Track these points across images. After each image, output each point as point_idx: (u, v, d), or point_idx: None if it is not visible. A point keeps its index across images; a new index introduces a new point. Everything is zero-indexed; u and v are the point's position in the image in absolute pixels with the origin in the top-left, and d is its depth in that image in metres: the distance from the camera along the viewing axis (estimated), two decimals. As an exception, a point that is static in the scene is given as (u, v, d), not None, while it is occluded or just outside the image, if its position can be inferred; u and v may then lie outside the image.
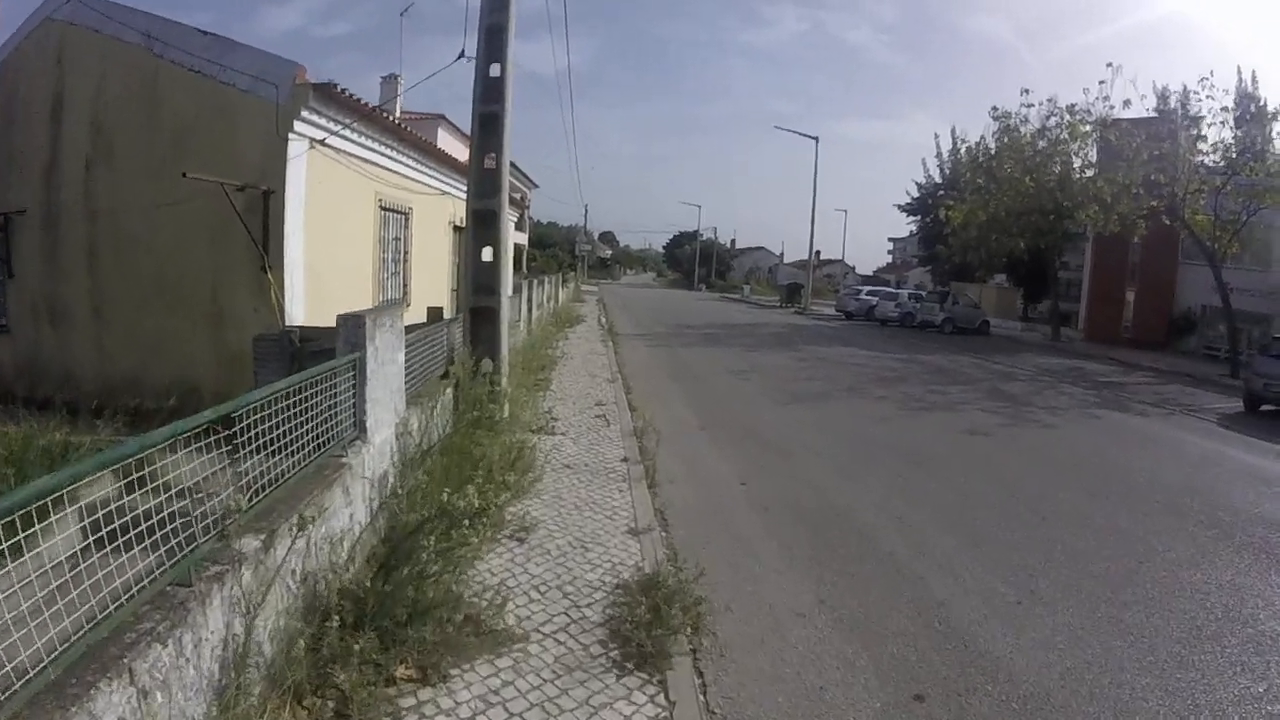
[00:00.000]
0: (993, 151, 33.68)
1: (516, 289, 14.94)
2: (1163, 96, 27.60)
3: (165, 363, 9.76)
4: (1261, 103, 23.15)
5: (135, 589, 2.53)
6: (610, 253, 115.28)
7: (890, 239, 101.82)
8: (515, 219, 26.04)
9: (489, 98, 7.79)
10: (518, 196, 46.83)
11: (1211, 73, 23.67)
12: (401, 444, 5.75)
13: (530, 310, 17.10)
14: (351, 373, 4.90)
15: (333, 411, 4.71)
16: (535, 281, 17.97)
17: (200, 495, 3.03)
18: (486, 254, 8.08)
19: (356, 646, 3.37)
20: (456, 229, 21.50)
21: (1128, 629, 4.89)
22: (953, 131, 52.71)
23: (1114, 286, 34.28)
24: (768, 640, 4.49)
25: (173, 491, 2.90)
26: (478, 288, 8.05)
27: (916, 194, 52.18)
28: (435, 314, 8.42)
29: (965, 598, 5.26)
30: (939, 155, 50.24)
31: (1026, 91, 33.28)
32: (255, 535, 3.28)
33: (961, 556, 6.07)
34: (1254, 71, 23.20)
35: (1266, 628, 5.05)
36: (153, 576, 2.63)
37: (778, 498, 7.31)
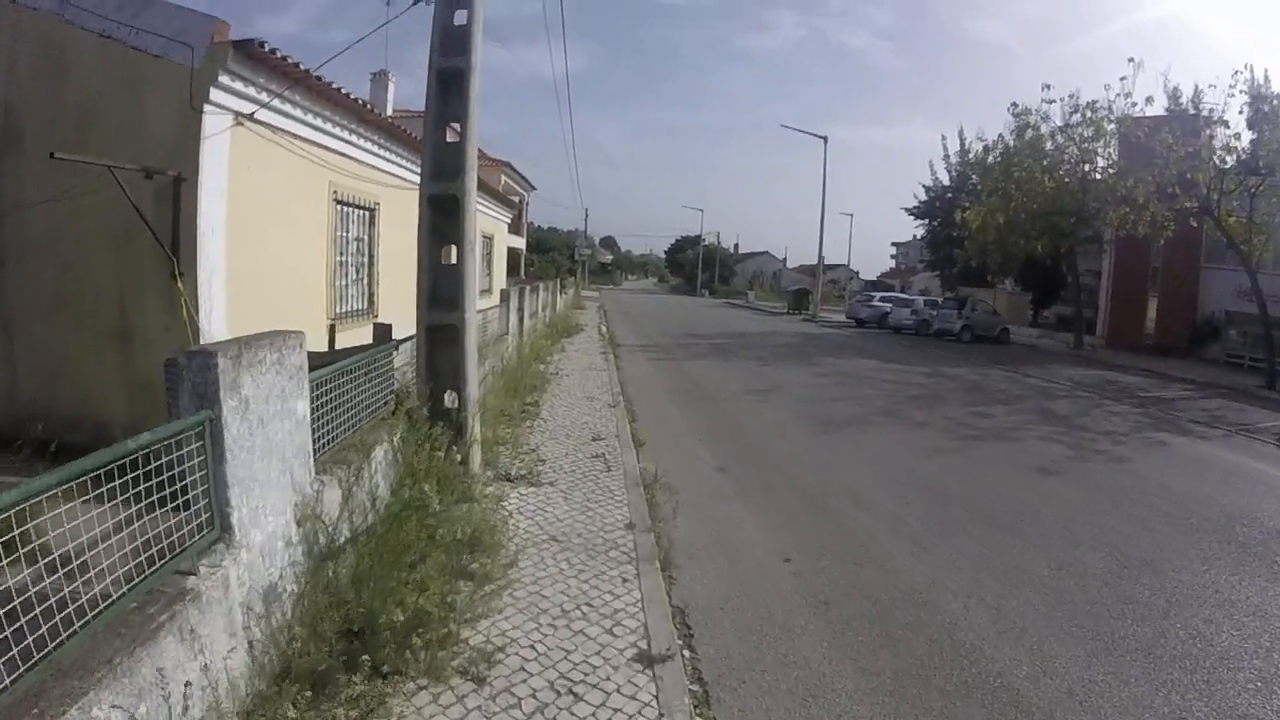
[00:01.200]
0: (1012, 149, 31.99)
1: (504, 297, 13.12)
2: (1174, 96, 26.09)
3: (71, 389, 7.97)
4: (1276, 101, 21.71)
5: None
6: (611, 258, 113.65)
7: (893, 243, 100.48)
8: (509, 221, 24.27)
9: (450, 49, 6.03)
10: (515, 200, 45.11)
11: (1249, 66, 22.39)
12: (307, 534, 3.95)
13: (521, 320, 15.30)
14: (202, 442, 3.11)
15: (169, 503, 2.96)
16: (528, 289, 16.15)
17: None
18: (448, 255, 6.30)
19: None
20: (484, 237, 19.86)
21: None
22: (960, 133, 51.38)
23: (1135, 292, 32.91)
24: None
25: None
26: (435, 300, 6.28)
27: (925, 197, 50.79)
28: (384, 332, 6.64)
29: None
30: (947, 158, 48.78)
31: (1048, 87, 31.21)
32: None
33: (1098, 678, 4.27)
34: (1266, 70, 21.77)
35: None
36: None
37: (836, 583, 5.48)
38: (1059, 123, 29.37)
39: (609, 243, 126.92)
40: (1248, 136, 22.51)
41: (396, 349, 6.22)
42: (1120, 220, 25.69)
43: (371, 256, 11.13)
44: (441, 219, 6.24)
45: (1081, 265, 37.33)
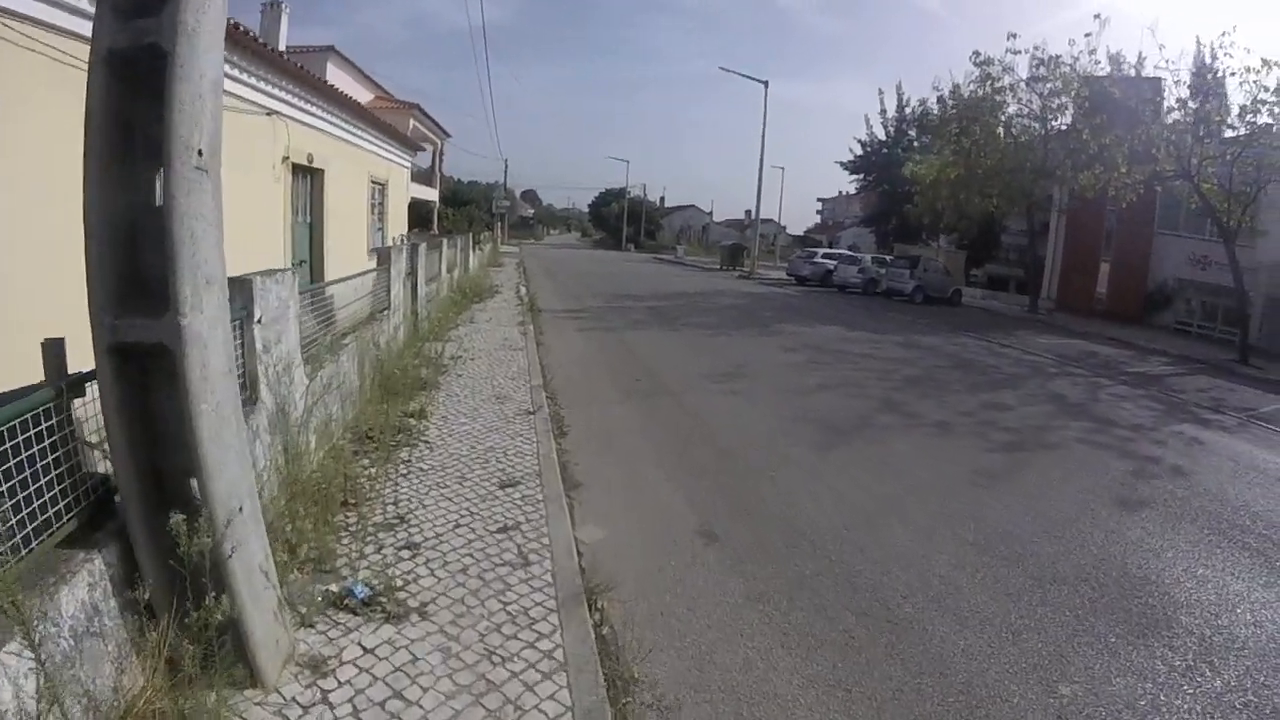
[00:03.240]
0: (971, 100, 29.56)
1: (384, 258, 9.57)
2: (1115, 61, 25.14)
3: None
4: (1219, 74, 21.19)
5: None
6: (533, 212, 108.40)
7: (819, 199, 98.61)
8: (410, 165, 20.31)
9: None
10: (428, 148, 40.50)
11: (1235, 28, 21.74)
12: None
13: (414, 288, 11.77)
14: None
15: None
16: (422, 246, 12.54)
17: None
18: (148, 186, 2.86)
19: None
20: (375, 184, 15.86)
21: None
22: (898, 88, 49.59)
23: (1088, 256, 31.61)
24: None
25: None
26: (128, 288, 2.81)
27: (860, 152, 48.76)
28: (55, 364, 3.16)
29: None
30: (883, 113, 47.39)
31: (1013, 36, 29.07)
32: None
33: None
34: (1213, 44, 21.17)
35: None
36: None
37: None
38: (1024, 75, 27.55)
39: (530, 196, 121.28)
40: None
41: (64, 393, 2.78)
42: (1091, 181, 23.85)
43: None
44: (134, 101, 2.78)
45: (1014, 226, 36.10)
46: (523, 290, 21.79)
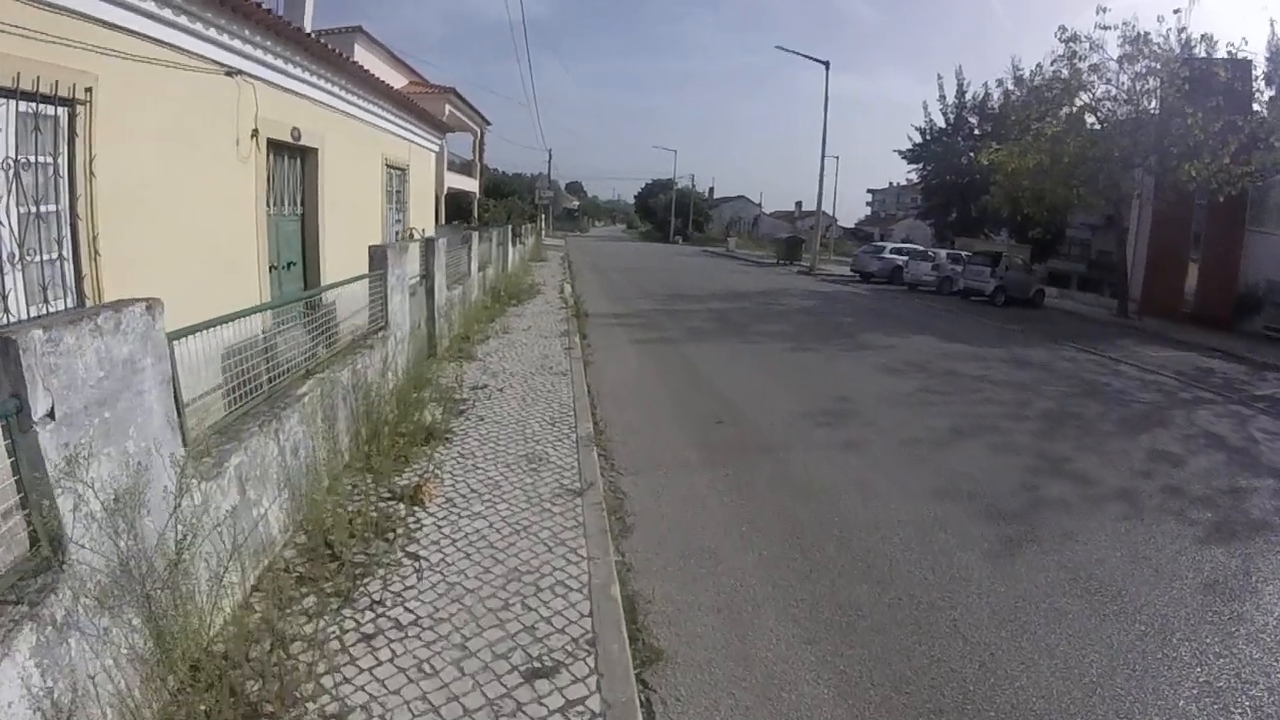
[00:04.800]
0: (1064, 79, 26.13)
1: (376, 261, 7.18)
2: (1207, 41, 22.69)
3: None
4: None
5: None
6: (578, 204, 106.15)
7: (870, 190, 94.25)
8: (438, 148, 17.99)
9: None
10: (468, 136, 38.32)
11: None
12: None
13: (430, 296, 9.39)
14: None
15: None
16: (441, 242, 10.15)
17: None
18: None
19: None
20: (392, 169, 13.52)
21: None
22: (958, 73, 46.33)
23: (1175, 254, 27.94)
24: None
25: None
26: None
27: (919, 140, 45.51)
28: None
29: None
30: (942, 98, 43.79)
31: (1103, 11, 25.34)
32: None
33: None
34: None
35: None
36: None
37: None
38: (1113, 54, 24.28)
39: (575, 188, 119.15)
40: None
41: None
42: (1198, 171, 21.00)
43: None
44: None
45: (1077, 219, 32.73)
46: (567, 290, 19.40)
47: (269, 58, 7.54)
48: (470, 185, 36.44)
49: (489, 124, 39.47)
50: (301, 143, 8.62)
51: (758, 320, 17.16)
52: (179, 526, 3.29)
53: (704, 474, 6.50)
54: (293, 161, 8.91)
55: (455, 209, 35.44)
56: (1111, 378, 13.08)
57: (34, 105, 4.91)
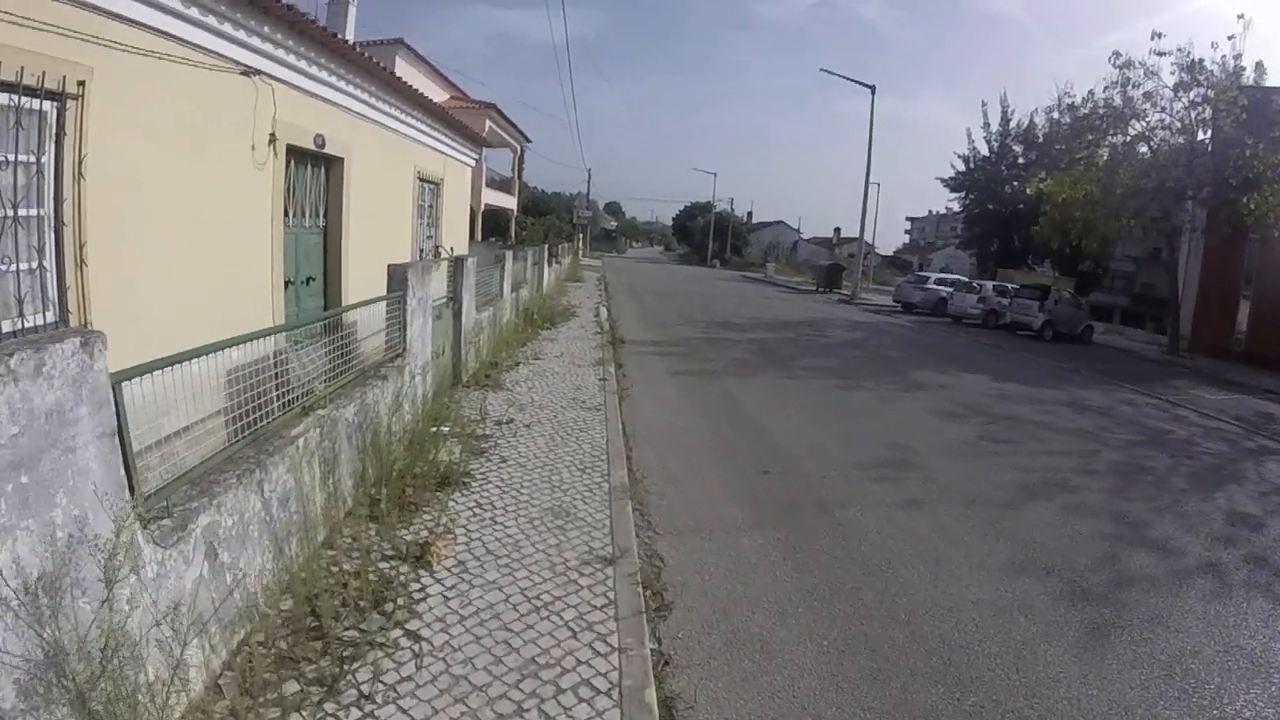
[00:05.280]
0: (1117, 106, 25.08)
1: (397, 284, 6.54)
2: (1260, 69, 22.47)
3: None
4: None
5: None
6: (615, 224, 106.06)
7: (909, 218, 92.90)
8: (474, 163, 17.53)
9: None
10: (509, 153, 38.14)
11: None
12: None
13: (456, 319, 8.76)
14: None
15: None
16: (469, 262, 9.54)
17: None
18: None
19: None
20: (424, 182, 13.04)
21: None
22: (1002, 99, 45.42)
23: (1227, 290, 26.58)
24: None
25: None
26: None
27: (962, 168, 44.81)
28: None
29: None
30: (985, 126, 43.25)
31: (1158, 36, 24.25)
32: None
33: None
34: None
35: None
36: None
37: None
38: (1168, 81, 23.43)
39: (614, 208, 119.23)
40: None
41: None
42: (1258, 205, 20.13)
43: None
44: None
45: (1119, 251, 31.60)
46: (603, 313, 18.76)
47: (290, 58, 7.01)
48: (508, 202, 36.16)
49: (529, 141, 39.30)
50: (326, 150, 8.07)
51: (804, 353, 16.33)
52: (122, 608, 2.65)
53: (752, 537, 5.72)
54: (316, 170, 8.37)
55: (493, 226, 35.17)
56: (1174, 425, 12.12)
57: (15, 98, 4.36)
